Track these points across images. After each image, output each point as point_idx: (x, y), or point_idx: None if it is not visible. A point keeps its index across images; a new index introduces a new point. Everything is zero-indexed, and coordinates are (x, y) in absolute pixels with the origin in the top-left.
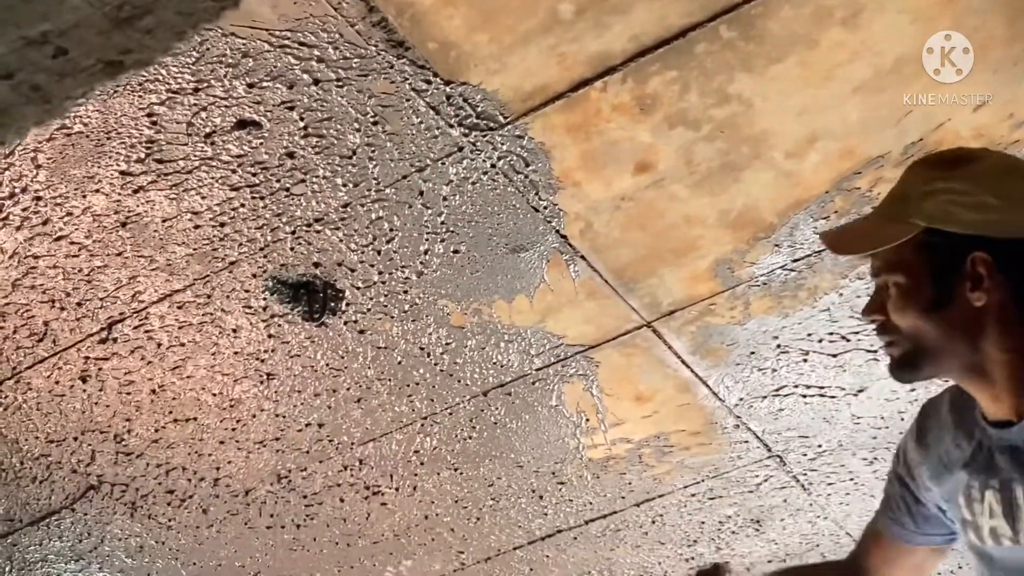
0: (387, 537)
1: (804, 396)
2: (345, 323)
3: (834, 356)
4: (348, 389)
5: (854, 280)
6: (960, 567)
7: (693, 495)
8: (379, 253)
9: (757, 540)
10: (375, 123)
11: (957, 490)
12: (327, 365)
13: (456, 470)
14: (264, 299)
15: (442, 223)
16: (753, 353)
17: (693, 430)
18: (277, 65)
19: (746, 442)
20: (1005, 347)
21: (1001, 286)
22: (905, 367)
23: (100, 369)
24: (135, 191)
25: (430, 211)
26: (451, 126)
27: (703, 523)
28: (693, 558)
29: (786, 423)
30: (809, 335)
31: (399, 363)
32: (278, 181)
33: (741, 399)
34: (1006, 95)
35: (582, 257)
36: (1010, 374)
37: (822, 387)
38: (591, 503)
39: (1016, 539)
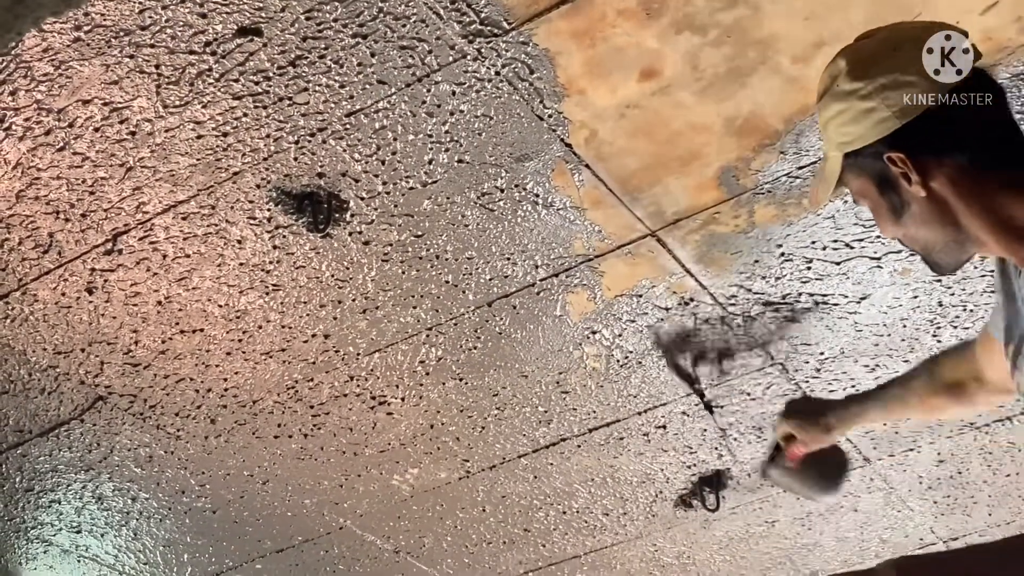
0: (393, 446)
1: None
2: (350, 234)
3: (837, 264)
4: (353, 300)
5: None
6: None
7: (696, 403)
8: (383, 163)
9: (759, 447)
10: (377, 30)
11: None
12: (332, 276)
13: (461, 380)
14: (268, 210)
15: (446, 132)
16: (757, 262)
17: None
18: None
19: None
20: (980, 217)
21: (933, 166)
22: (931, 267)
23: (106, 281)
24: (136, 99)
25: (434, 120)
26: (455, 33)
27: (705, 431)
28: (695, 465)
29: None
30: (813, 243)
31: (403, 274)
32: (281, 89)
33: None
34: None
35: (587, 166)
36: (997, 238)
37: (825, 295)
38: (594, 412)
39: None
